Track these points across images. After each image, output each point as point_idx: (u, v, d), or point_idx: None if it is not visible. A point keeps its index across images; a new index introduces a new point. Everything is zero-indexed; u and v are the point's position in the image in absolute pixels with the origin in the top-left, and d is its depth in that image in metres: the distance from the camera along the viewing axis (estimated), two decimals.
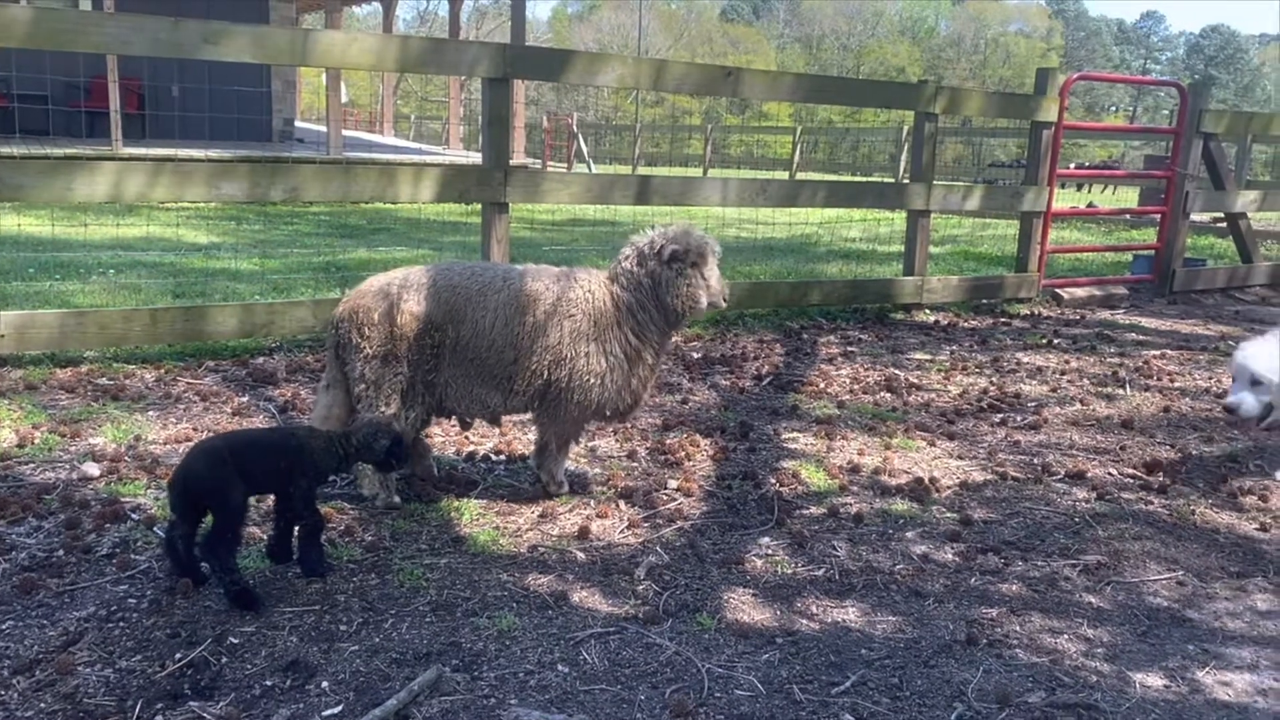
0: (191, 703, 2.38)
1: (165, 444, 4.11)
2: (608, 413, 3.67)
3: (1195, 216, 9.91)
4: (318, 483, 3.05)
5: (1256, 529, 3.82)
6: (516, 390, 3.57)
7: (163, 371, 5.13)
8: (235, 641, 2.65)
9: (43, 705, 2.33)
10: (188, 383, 4.98)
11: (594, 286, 3.59)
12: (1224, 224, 11.29)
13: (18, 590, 2.84)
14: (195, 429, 4.29)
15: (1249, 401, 4.09)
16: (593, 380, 3.53)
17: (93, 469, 3.77)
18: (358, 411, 3.57)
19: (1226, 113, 9.75)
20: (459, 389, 3.59)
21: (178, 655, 2.56)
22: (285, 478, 2.91)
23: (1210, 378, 6.20)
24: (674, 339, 4.30)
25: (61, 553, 3.10)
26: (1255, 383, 4.08)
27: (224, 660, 2.56)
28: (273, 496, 3.02)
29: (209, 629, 2.69)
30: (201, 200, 5.60)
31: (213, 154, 13.73)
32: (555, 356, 3.51)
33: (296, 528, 3.01)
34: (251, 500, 3.41)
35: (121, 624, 2.71)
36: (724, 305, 3.72)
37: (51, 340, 5.02)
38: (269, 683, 2.48)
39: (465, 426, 4.12)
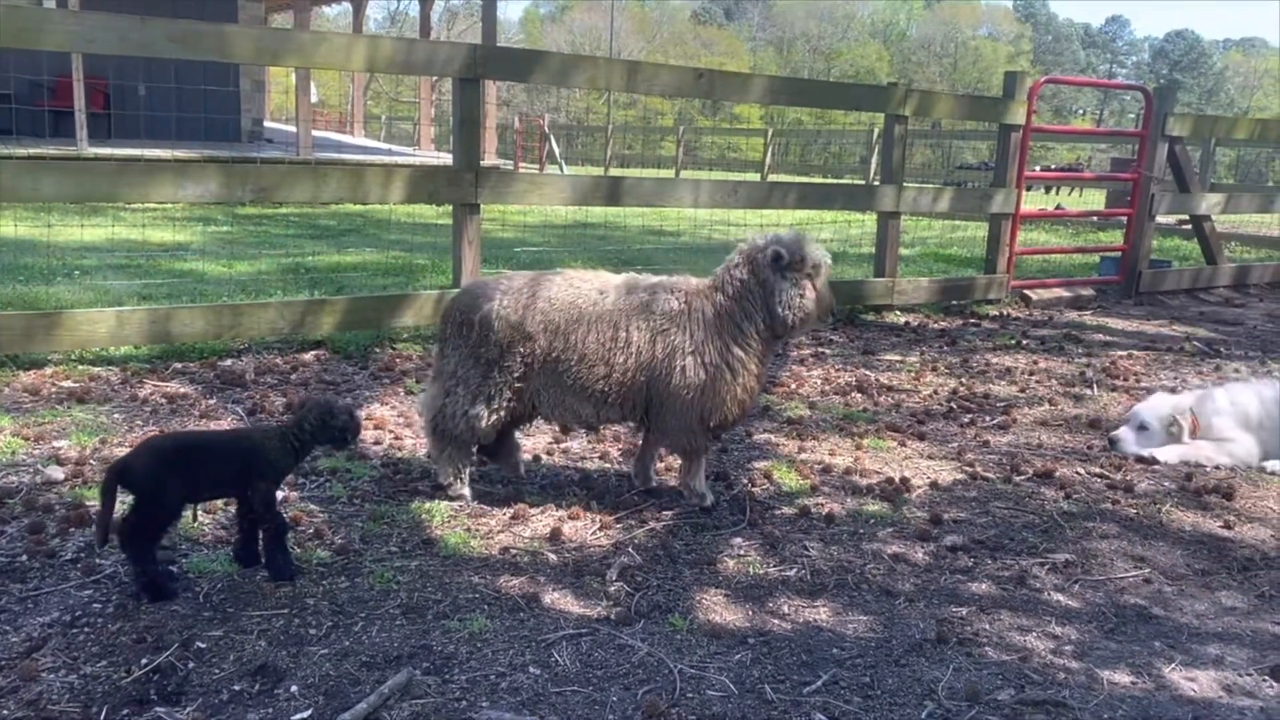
0: (158, 708, 2.35)
1: (131, 447, 4.05)
2: (712, 423, 3.61)
3: (1161, 219, 10.03)
4: (277, 482, 3.03)
5: (1221, 527, 3.87)
6: (610, 403, 3.57)
7: (129, 374, 5.06)
8: (202, 646, 2.62)
9: (5, 712, 2.29)
10: (154, 385, 4.92)
11: (691, 298, 3.57)
12: (1189, 226, 11.44)
13: None
14: (162, 432, 4.23)
15: (1128, 439, 4.72)
16: (691, 394, 3.50)
17: (57, 473, 3.71)
18: (444, 404, 3.57)
19: (1191, 116, 9.89)
20: (551, 398, 3.59)
21: (144, 660, 2.53)
22: (241, 480, 2.90)
23: (1175, 378, 6.28)
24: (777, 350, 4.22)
25: (25, 558, 3.05)
26: (1142, 427, 4.72)
27: (191, 665, 2.53)
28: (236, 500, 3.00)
29: (175, 634, 2.66)
30: (169, 200, 5.54)
31: (180, 154, 13.58)
32: (650, 372, 3.50)
33: (261, 531, 2.99)
34: (219, 504, 3.40)
35: (86, 629, 2.68)
36: (830, 320, 3.68)
37: (15, 342, 4.93)
38: (237, 688, 2.45)
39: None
